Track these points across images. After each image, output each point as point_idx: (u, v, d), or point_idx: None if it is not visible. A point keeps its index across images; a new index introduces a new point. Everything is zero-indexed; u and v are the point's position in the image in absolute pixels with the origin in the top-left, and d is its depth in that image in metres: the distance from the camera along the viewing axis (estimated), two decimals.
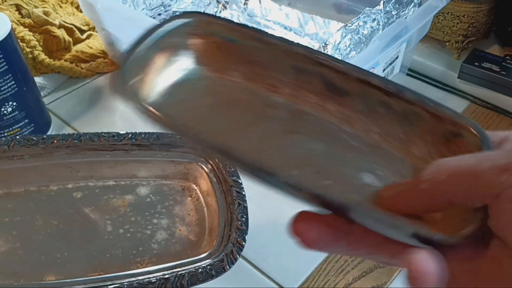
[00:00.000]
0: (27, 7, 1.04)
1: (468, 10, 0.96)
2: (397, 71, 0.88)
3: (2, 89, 0.78)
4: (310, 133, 0.42)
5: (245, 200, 0.63)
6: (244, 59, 0.43)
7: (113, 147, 0.69)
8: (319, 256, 0.71)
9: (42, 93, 0.94)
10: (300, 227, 0.37)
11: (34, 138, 0.69)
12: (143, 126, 0.91)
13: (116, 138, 0.69)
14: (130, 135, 0.69)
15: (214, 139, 0.37)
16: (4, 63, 0.76)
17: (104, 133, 0.69)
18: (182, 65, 0.43)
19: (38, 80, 0.97)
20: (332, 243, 0.37)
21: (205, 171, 0.69)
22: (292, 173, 0.39)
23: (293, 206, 0.74)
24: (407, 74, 0.98)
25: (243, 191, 0.64)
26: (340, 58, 0.65)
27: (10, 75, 0.78)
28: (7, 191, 0.69)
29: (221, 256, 0.59)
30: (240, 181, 0.65)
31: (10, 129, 0.82)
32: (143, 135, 0.69)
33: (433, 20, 0.97)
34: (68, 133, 0.69)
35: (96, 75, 1.04)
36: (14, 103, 0.80)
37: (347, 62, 0.41)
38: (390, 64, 0.83)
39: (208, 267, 0.58)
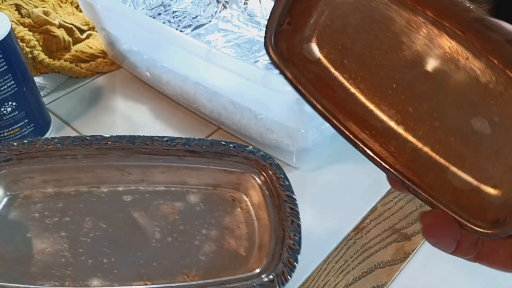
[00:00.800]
0: (27, 7, 0.99)
1: None
2: None
3: (1, 89, 0.73)
4: (435, 67, 0.39)
5: (299, 218, 0.58)
6: None
7: (166, 152, 0.64)
8: (319, 256, 0.68)
9: (42, 93, 0.91)
10: (427, 217, 0.38)
11: (88, 138, 0.63)
12: (142, 125, 0.87)
13: (169, 143, 0.64)
14: (183, 141, 0.64)
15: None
16: (4, 63, 0.72)
17: (158, 137, 0.64)
18: None
19: (38, 80, 0.93)
20: (446, 239, 0.38)
21: (258, 183, 0.63)
22: (409, 109, 0.39)
23: None
24: None
25: (297, 207, 0.59)
26: None
27: (9, 75, 0.73)
28: (58, 190, 0.63)
29: (272, 276, 0.54)
30: (294, 197, 0.60)
31: (10, 129, 0.77)
32: (196, 142, 0.64)
33: None
34: (123, 135, 0.64)
35: (96, 75, 0.99)
36: (14, 103, 0.75)
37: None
38: None
39: (257, 287, 0.53)
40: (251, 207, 0.63)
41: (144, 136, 0.64)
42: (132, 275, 0.57)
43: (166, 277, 0.57)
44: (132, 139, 0.64)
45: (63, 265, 0.57)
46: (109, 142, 0.63)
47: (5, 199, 0.62)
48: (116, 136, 0.64)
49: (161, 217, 0.62)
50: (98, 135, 0.63)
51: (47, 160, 0.63)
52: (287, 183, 0.61)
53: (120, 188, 0.64)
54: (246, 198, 0.64)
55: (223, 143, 0.64)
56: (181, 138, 0.64)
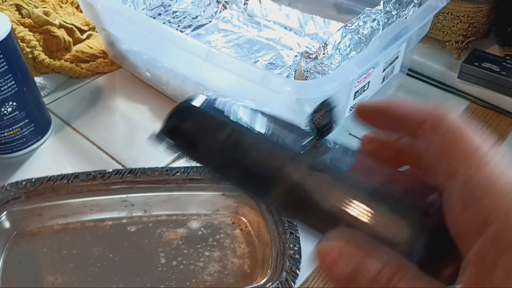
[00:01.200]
0: (27, 7, 0.98)
1: (468, 10, 0.92)
2: (397, 71, 0.84)
3: (2, 89, 0.73)
4: None
5: (297, 230, 0.60)
6: None
7: (167, 181, 0.66)
8: None
9: (42, 93, 0.90)
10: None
11: (93, 174, 0.66)
12: (142, 125, 0.88)
13: (169, 172, 0.66)
14: (182, 170, 0.66)
15: None
16: (4, 63, 0.72)
17: (158, 168, 0.66)
18: None
19: (38, 80, 0.92)
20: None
21: (255, 203, 0.65)
22: None
23: None
24: (407, 74, 0.93)
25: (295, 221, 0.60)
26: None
27: (10, 75, 0.73)
28: (65, 225, 0.65)
29: (276, 284, 0.56)
30: None
31: (10, 129, 0.77)
32: (194, 169, 0.66)
33: (433, 20, 0.93)
34: (125, 168, 0.66)
35: (96, 75, 0.99)
36: (14, 103, 0.75)
37: None
38: (390, 64, 0.79)
39: None
40: (250, 227, 0.65)
41: (144, 168, 0.66)
42: None
43: None
44: (133, 171, 0.65)
45: None
46: (112, 175, 0.65)
47: (14, 235, 0.64)
48: (118, 169, 0.66)
49: (165, 243, 0.63)
50: (101, 170, 0.65)
51: (54, 196, 0.65)
52: None
53: (124, 220, 0.66)
54: (245, 220, 0.66)
55: None
56: (179, 167, 0.66)
